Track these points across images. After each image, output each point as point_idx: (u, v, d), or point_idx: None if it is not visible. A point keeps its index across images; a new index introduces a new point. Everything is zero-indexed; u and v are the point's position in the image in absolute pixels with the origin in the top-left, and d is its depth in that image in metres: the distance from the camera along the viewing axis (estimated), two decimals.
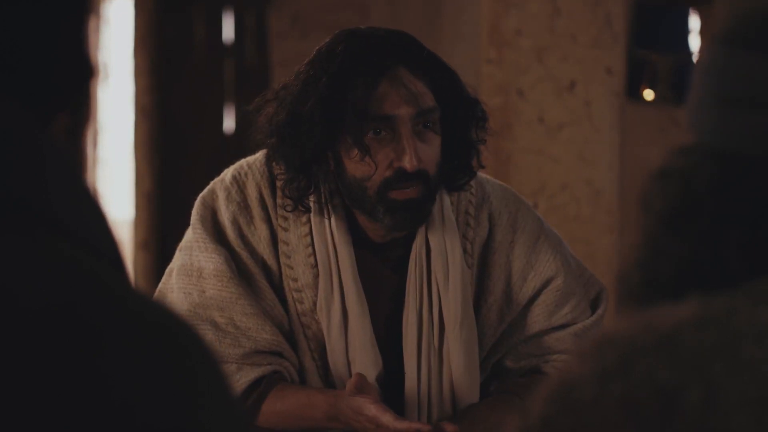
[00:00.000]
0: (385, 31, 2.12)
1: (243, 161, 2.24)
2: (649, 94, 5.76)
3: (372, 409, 2.04)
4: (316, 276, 2.16)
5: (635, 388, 0.74)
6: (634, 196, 0.88)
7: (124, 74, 6.08)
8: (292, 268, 2.17)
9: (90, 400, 0.65)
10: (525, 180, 4.27)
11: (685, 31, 5.96)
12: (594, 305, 2.30)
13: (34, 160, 0.71)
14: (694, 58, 4.93)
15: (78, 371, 0.65)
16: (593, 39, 4.30)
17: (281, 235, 2.18)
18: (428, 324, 2.17)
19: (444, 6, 4.92)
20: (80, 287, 0.68)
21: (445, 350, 2.18)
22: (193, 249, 2.18)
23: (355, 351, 2.15)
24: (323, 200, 2.16)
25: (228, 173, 2.23)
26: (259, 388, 2.15)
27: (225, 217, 2.18)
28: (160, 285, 2.24)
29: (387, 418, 2.03)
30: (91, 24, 0.77)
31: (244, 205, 2.18)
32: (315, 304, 2.16)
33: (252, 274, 2.17)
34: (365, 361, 2.14)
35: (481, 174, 2.26)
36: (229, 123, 6.27)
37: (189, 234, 2.21)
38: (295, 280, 2.17)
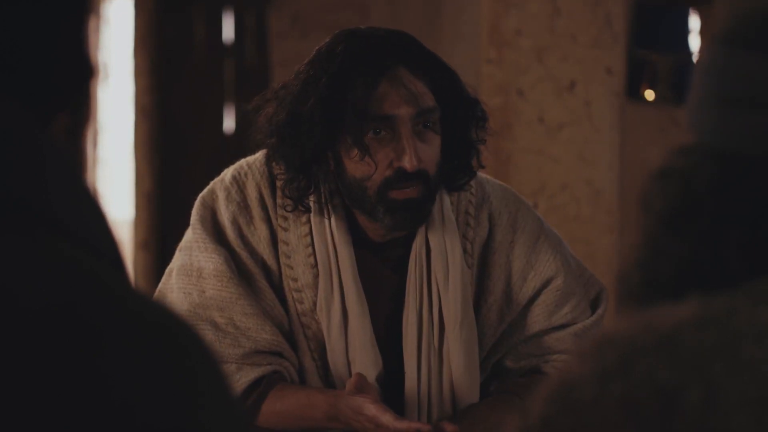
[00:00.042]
0: (385, 31, 2.12)
1: (243, 161, 2.24)
2: (650, 95, 5.76)
3: (372, 408, 2.04)
4: (316, 276, 2.16)
5: (635, 388, 0.74)
6: (634, 196, 0.88)
7: (124, 74, 6.08)
8: (292, 268, 2.17)
9: (90, 400, 0.65)
10: (525, 180, 4.27)
11: (685, 31, 5.96)
12: (594, 305, 2.30)
13: (34, 160, 0.71)
14: (694, 58, 4.93)
15: (78, 371, 0.65)
16: (593, 39, 4.30)
17: (281, 235, 2.18)
18: (428, 324, 2.17)
19: (444, 6, 4.92)
20: (80, 287, 0.68)
21: (445, 350, 2.18)
22: (192, 249, 2.18)
23: (355, 351, 2.15)
24: (323, 200, 2.15)
25: (228, 173, 2.23)
26: (259, 388, 2.15)
27: (225, 217, 2.18)
28: (160, 285, 2.24)
29: (387, 417, 2.03)
30: (91, 24, 0.77)
31: (243, 205, 2.18)
32: (315, 304, 2.16)
33: (252, 274, 2.17)
34: (365, 361, 2.14)
35: (481, 174, 2.26)
36: (229, 123, 6.27)
37: (189, 234, 2.21)
38: (295, 280, 2.17)
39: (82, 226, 0.72)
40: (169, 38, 6.24)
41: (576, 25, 4.29)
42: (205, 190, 2.23)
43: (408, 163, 2.05)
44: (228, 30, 6.29)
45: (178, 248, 2.23)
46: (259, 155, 2.22)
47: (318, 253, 2.16)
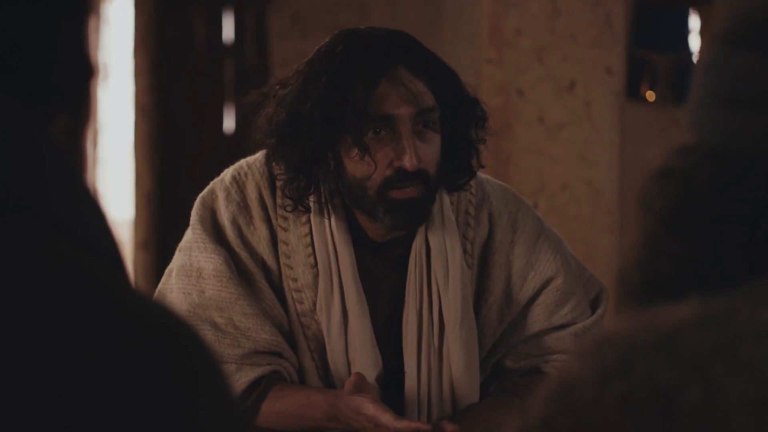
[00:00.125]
0: (385, 31, 2.12)
1: (243, 161, 2.24)
2: (650, 95, 5.76)
3: (371, 408, 2.04)
4: (316, 276, 2.16)
5: (635, 388, 0.74)
6: (634, 196, 0.88)
7: (124, 74, 6.08)
8: (291, 268, 2.17)
9: (90, 400, 0.65)
10: (525, 180, 4.27)
11: (685, 31, 5.96)
12: (594, 305, 2.30)
13: (34, 160, 0.71)
14: (694, 58, 4.93)
15: (78, 371, 0.65)
16: (593, 39, 4.30)
17: (281, 235, 2.18)
18: (428, 324, 2.17)
19: (444, 6, 4.92)
20: (80, 287, 0.68)
21: (445, 350, 2.18)
22: (192, 249, 2.18)
23: (355, 351, 2.15)
24: (323, 200, 2.16)
25: (228, 173, 2.23)
26: (259, 388, 2.15)
27: (224, 217, 2.18)
28: (160, 285, 2.24)
29: (386, 417, 2.03)
30: (91, 24, 0.77)
31: (243, 206, 2.18)
32: (315, 304, 2.16)
33: (251, 274, 2.17)
34: (365, 361, 2.14)
35: (481, 174, 2.26)
36: (229, 123, 6.27)
37: (188, 234, 2.21)
38: (295, 280, 2.17)
39: (82, 226, 0.72)
40: (169, 38, 6.24)
41: (576, 25, 4.29)
42: (205, 191, 2.23)
43: (408, 162, 2.05)
44: (228, 30, 6.29)
45: (178, 248, 2.23)
46: (259, 155, 2.22)
47: (318, 253, 2.16)
